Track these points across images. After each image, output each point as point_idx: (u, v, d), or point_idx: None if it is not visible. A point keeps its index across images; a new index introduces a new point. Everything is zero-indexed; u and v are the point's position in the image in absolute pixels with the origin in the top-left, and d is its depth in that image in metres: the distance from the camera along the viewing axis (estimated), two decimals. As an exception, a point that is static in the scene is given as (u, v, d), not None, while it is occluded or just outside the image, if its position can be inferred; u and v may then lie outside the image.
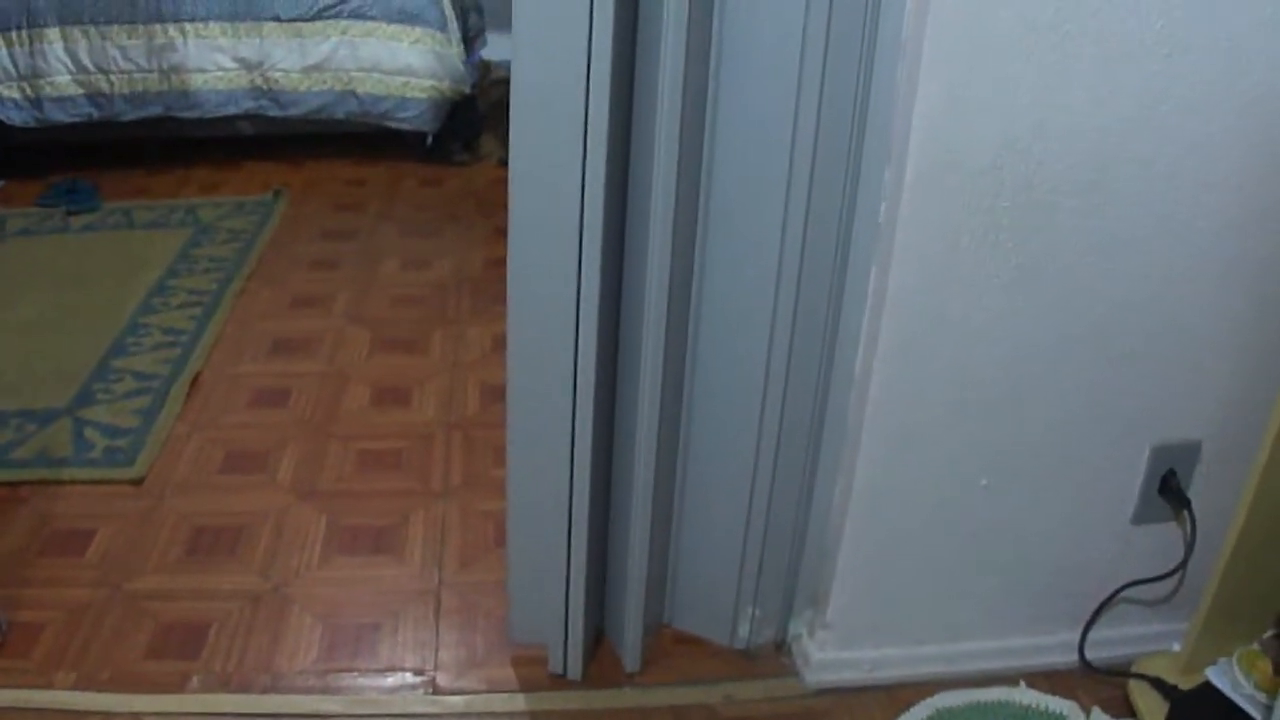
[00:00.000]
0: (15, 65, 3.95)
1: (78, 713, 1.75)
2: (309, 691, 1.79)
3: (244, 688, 1.80)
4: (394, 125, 4.11)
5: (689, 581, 1.87)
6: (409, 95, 4.02)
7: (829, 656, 1.80)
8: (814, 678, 1.81)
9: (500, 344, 1.61)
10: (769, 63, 1.45)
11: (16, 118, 4.00)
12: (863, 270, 1.57)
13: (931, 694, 1.77)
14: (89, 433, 2.49)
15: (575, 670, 1.79)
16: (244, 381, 2.74)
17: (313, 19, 3.97)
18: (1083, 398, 1.64)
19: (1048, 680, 1.81)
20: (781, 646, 1.88)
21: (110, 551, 2.12)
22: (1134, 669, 1.77)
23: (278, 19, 3.96)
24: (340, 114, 4.10)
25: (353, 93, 4.03)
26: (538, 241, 1.52)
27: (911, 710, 1.74)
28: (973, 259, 1.51)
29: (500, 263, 1.56)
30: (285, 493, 2.30)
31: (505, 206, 1.51)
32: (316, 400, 2.65)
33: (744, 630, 1.86)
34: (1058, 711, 1.75)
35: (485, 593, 2.00)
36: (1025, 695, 1.77)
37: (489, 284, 3.23)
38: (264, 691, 1.79)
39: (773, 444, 1.69)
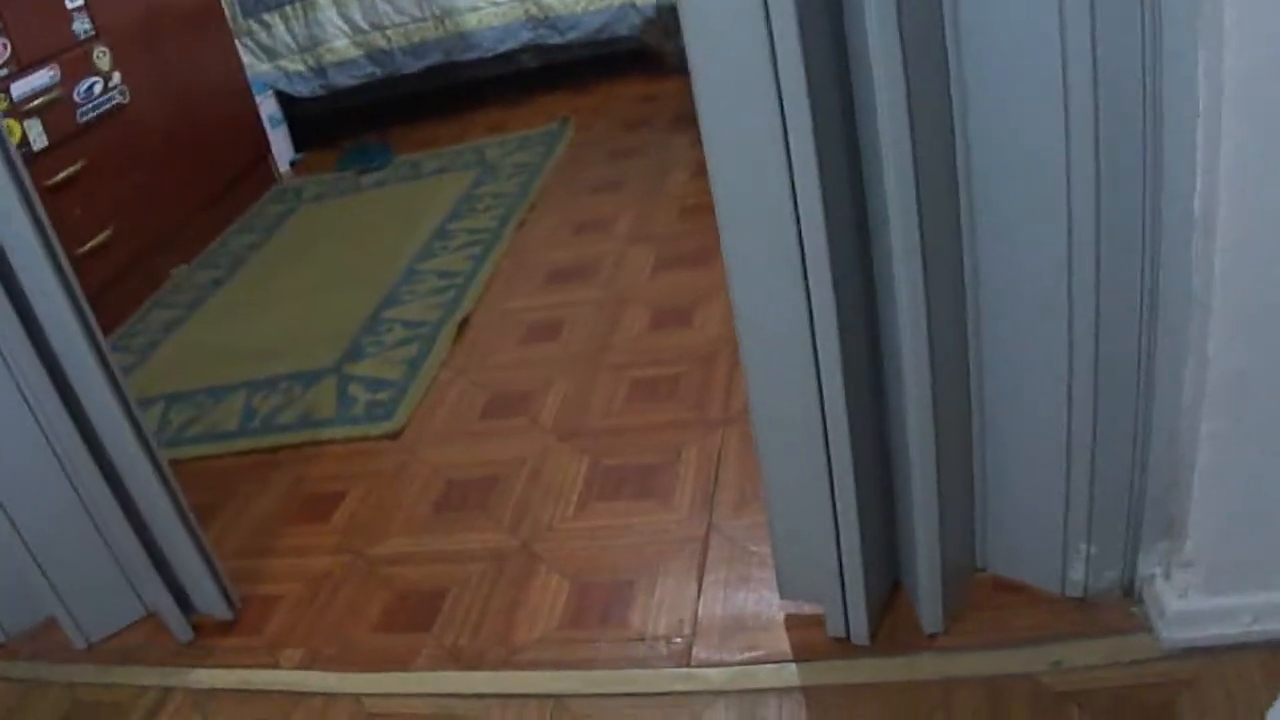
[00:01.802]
0: (295, 39, 3.94)
1: (298, 694, 1.56)
2: (544, 666, 1.49)
3: (473, 664, 1.53)
4: (679, 32, 3.79)
5: (1003, 514, 1.41)
6: None
7: (1193, 605, 1.29)
8: (1173, 634, 1.30)
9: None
10: None
11: (304, 89, 3.98)
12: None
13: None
14: (353, 389, 2.32)
15: (860, 633, 1.39)
16: (515, 318, 2.50)
17: (581, -67, 3.70)
18: None
19: None
20: (1130, 593, 1.38)
21: (357, 514, 1.93)
22: None
23: (545, -60, 3.72)
24: (623, 30, 3.81)
25: (632, 5, 3.74)
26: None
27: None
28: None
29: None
30: (546, 434, 2.02)
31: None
32: (590, 329, 2.37)
33: (1077, 573, 1.38)
34: None
35: (762, 538, 1.61)
36: None
37: (784, 185, 2.85)
38: (494, 668, 1.51)
39: (1090, 327, 1.20)
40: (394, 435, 2.13)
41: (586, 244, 2.80)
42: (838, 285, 1.19)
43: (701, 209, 2.83)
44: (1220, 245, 1.09)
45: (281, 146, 3.96)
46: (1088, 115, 1.09)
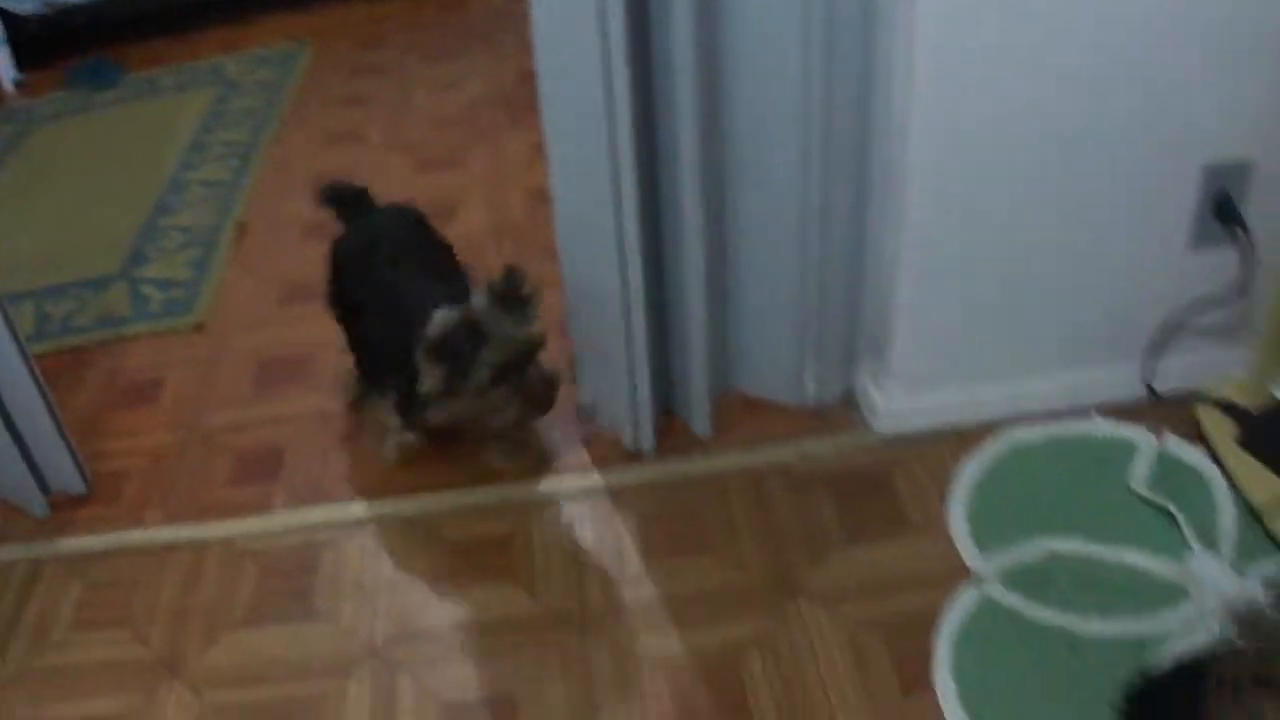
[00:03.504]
0: (17, -49, 3.89)
1: (169, 547, 1.78)
2: (395, 493, 1.81)
3: (327, 498, 1.82)
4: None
5: (751, 344, 1.83)
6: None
7: (897, 405, 1.76)
8: (884, 427, 1.78)
9: (539, 151, 1.58)
10: None
11: (28, 6, 3.93)
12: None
13: (1005, 432, 1.74)
14: (145, 289, 2.50)
15: (647, 441, 1.78)
16: (290, 221, 2.71)
17: None
18: (1128, 119, 1.54)
19: (1118, 412, 1.75)
20: (850, 400, 1.84)
21: (182, 395, 2.14)
22: (1201, 394, 1.72)
23: None
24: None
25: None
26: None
27: (987, 448, 1.71)
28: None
29: (532, 74, 1.52)
30: (343, 319, 2.29)
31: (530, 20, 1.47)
32: (364, 229, 2.62)
33: (810, 387, 1.83)
34: (1131, 440, 1.69)
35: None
36: (1099, 426, 1.73)
37: (522, 95, 3.10)
38: (349, 499, 1.82)
39: (817, 194, 1.62)
40: (199, 327, 2.34)
41: (344, 154, 3.04)
42: (641, 188, 1.54)
43: (448, 120, 3.13)
44: (912, 138, 1.53)
45: (4, 66, 3.93)
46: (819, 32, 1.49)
